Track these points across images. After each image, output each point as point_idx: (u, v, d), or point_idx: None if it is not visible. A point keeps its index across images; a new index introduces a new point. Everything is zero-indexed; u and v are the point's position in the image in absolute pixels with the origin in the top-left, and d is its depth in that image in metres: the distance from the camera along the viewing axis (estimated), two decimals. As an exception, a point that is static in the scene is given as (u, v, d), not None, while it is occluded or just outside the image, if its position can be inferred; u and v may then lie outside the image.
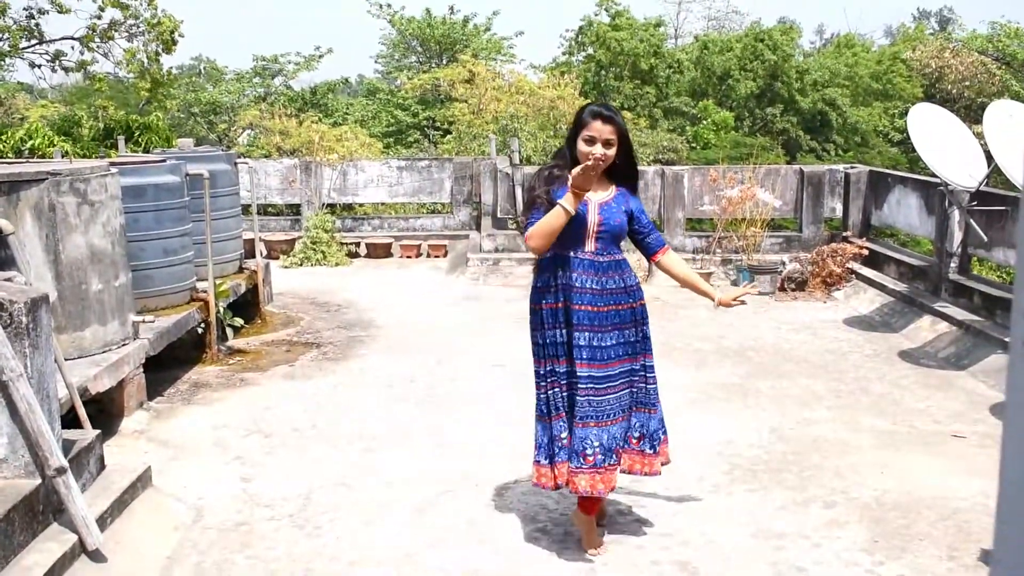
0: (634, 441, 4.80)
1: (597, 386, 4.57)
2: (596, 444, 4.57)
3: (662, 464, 4.94)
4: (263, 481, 5.90)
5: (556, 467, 4.67)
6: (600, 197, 4.63)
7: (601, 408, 4.58)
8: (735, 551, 4.90)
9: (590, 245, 4.59)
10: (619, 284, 4.63)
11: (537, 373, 4.76)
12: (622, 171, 4.72)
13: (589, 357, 4.56)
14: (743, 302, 4.93)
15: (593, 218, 4.56)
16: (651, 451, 4.84)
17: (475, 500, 5.52)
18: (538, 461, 4.77)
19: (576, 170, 4.33)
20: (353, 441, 6.57)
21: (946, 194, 9.38)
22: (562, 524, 5.19)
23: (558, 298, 4.60)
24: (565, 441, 4.64)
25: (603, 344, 4.57)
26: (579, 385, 4.57)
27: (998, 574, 1.04)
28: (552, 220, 4.44)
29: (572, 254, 4.59)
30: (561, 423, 4.66)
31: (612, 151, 4.54)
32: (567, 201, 4.39)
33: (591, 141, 4.52)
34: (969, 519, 5.25)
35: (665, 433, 4.96)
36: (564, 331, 4.61)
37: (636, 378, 4.73)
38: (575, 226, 4.50)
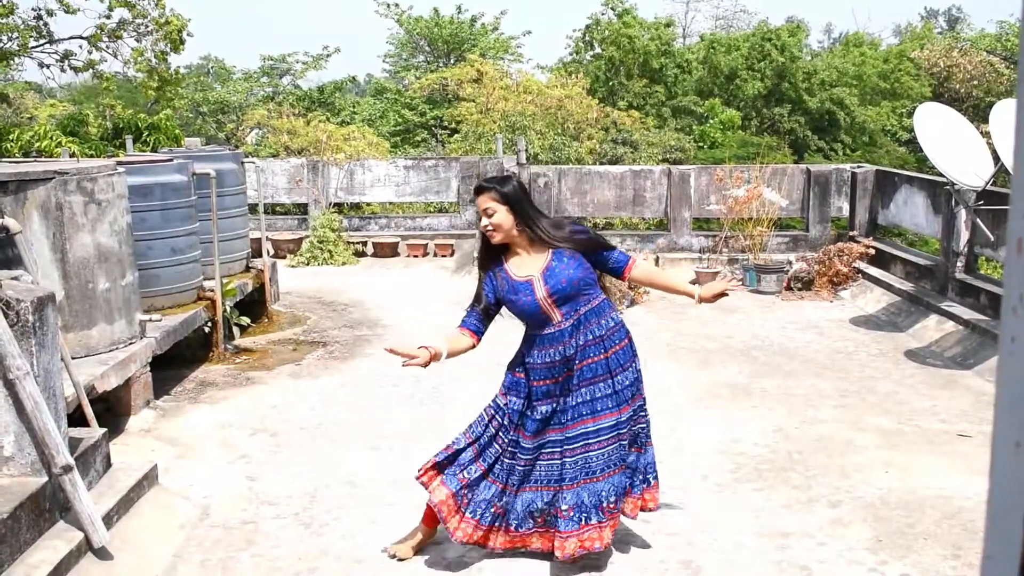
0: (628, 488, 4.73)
1: (588, 441, 4.53)
2: (574, 503, 4.54)
3: (649, 508, 4.86)
4: (269, 480, 5.91)
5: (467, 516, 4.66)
6: (539, 266, 4.56)
7: (593, 464, 4.55)
8: (740, 550, 4.91)
9: (555, 317, 4.52)
10: (596, 334, 4.53)
11: (493, 403, 4.79)
12: (543, 230, 4.61)
13: (584, 414, 4.55)
14: (725, 294, 4.89)
15: (541, 294, 4.50)
16: (633, 491, 4.76)
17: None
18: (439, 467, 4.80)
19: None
20: (359, 440, 6.59)
21: (953, 193, 9.37)
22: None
23: (539, 375, 4.57)
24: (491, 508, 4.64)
25: (595, 396, 4.54)
26: (571, 445, 4.54)
27: (990, 568, 1.05)
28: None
29: (543, 332, 4.55)
30: (494, 488, 4.65)
31: (497, 216, 4.53)
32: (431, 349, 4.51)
33: (483, 214, 4.61)
34: (974, 518, 5.25)
35: (654, 477, 4.86)
36: (547, 406, 4.57)
37: (623, 430, 4.60)
38: (530, 312, 4.53)
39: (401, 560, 4.82)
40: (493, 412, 4.72)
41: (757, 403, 7.38)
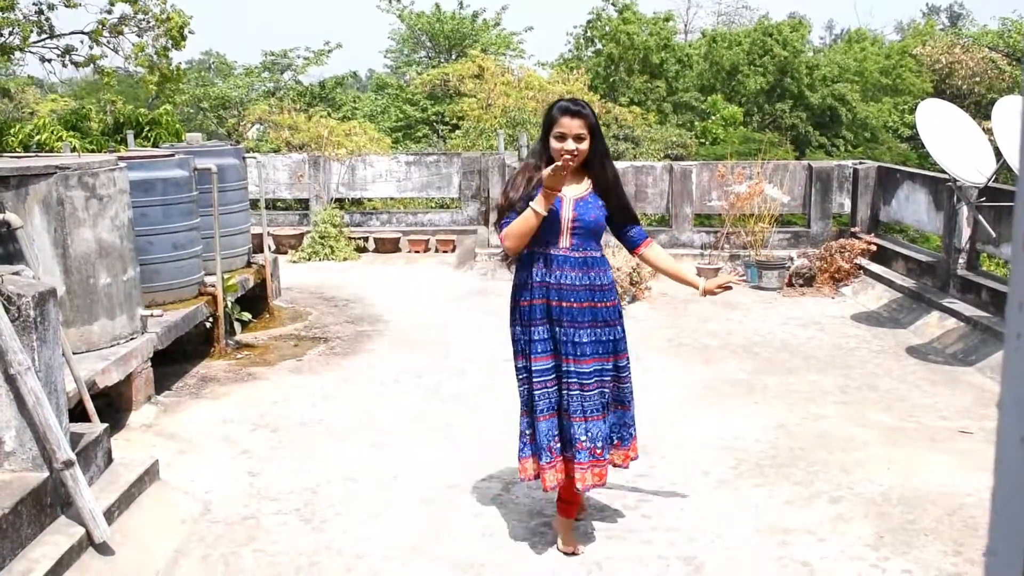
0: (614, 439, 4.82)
1: (582, 381, 4.57)
2: (584, 438, 4.58)
3: (631, 459, 4.94)
4: (270, 475, 5.91)
5: (543, 465, 4.67)
6: (575, 192, 4.59)
7: (587, 403, 4.59)
8: (741, 546, 4.91)
9: (565, 241, 4.55)
10: (592, 281, 4.57)
11: (516, 367, 4.78)
12: (599, 164, 4.66)
13: (572, 353, 4.57)
14: (729, 287, 4.92)
15: (567, 214, 4.53)
16: (623, 444, 4.86)
17: (481, 494, 5.53)
18: (523, 455, 4.78)
19: (546, 170, 4.35)
20: (360, 435, 6.59)
21: (955, 190, 9.36)
22: (568, 518, 5.20)
23: (534, 295, 4.59)
24: (554, 440, 4.65)
25: (580, 340, 4.56)
26: (566, 380, 4.59)
27: (993, 565, 1.05)
28: (524, 222, 4.45)
29: (547, 251, 4.56)
30: (548, 423, 4.65)
31: (584, 145, 4.51)
32: (538, 203, 4.39)
33: (562, 137, 4.50)
34: (975, 515, 5.25)
35: (634, 430, 4.93)
36: (544, 328, 4.60)
37: (607, 378, 4.66)
38: (549, 223, 4.49)
39: (580, 552, 4.85)
40: (523, 378, 4.74)
41: (758, 399, 7.38)
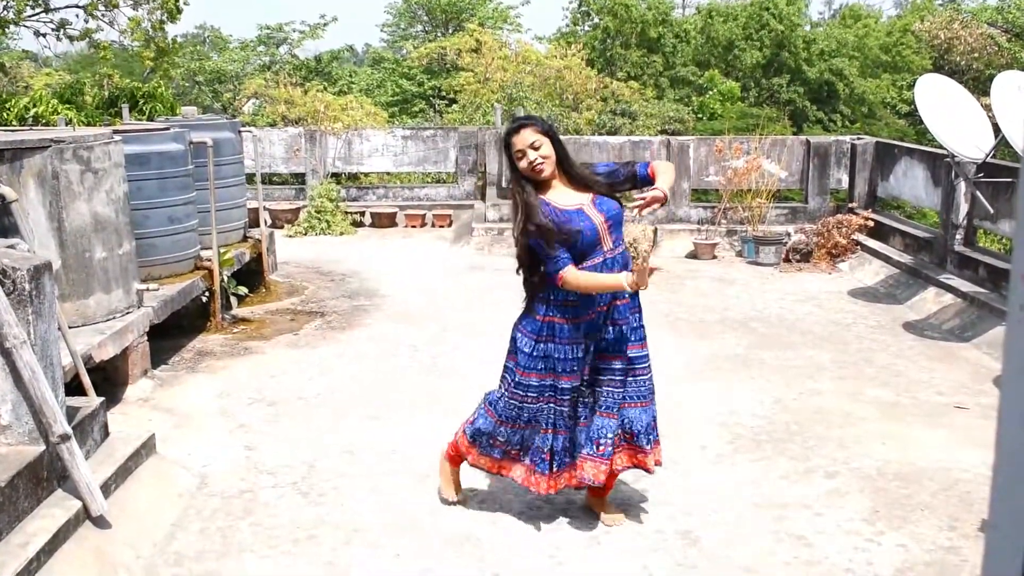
0: (628, 436, 4.75)
1: (614, 377, 4.63)
2: (609, 435, 4.63)
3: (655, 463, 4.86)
4: (267, 449, 5.92)
5: (551, 475, 4.71)
6: (586, 197, 4.60)
7: (614, 398, 4.65)
8: (737, 520, 4.92)
9: (608, 244, 4.54)
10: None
11: (520, 384, 4.67)
12: (575, 166, 4.69)
13: (616, 350, 4.62)
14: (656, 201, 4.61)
15: (598, 219, 4.53)
16: (647, 446, 4.78)
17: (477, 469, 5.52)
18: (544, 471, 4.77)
19: (631, 280, 4.32)
20: (357, 409, 6.59)
21: (953, 166, 9.34)
22: (564, 492, 5.20)
23: (593, 307, 4.55)
24: (547, 454, 4.68)
25: (623, 335, 4.62)
26: (608, 377, 4.63)
27: (993, 539, 1.04)
28: (604, 283, 4.43)
29: (597, 260, 4.51)
30: (557, 437, 4.67)
31: (545, 149, 4.53)
32: (628, 280, 4.35)
33: (521, 155, 4.54)
34: (970, 490, 5.26)
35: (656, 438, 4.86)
36: (581, 346, 4.58)
37: (634, 369, 4.70)
38: (590, 235, 4.48)
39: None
40: (535, 396, 4.67)
41: (755, 374, 7.38)
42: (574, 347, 4.56)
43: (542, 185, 4.59)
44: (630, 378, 4.69)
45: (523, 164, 4.54)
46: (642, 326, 4.75)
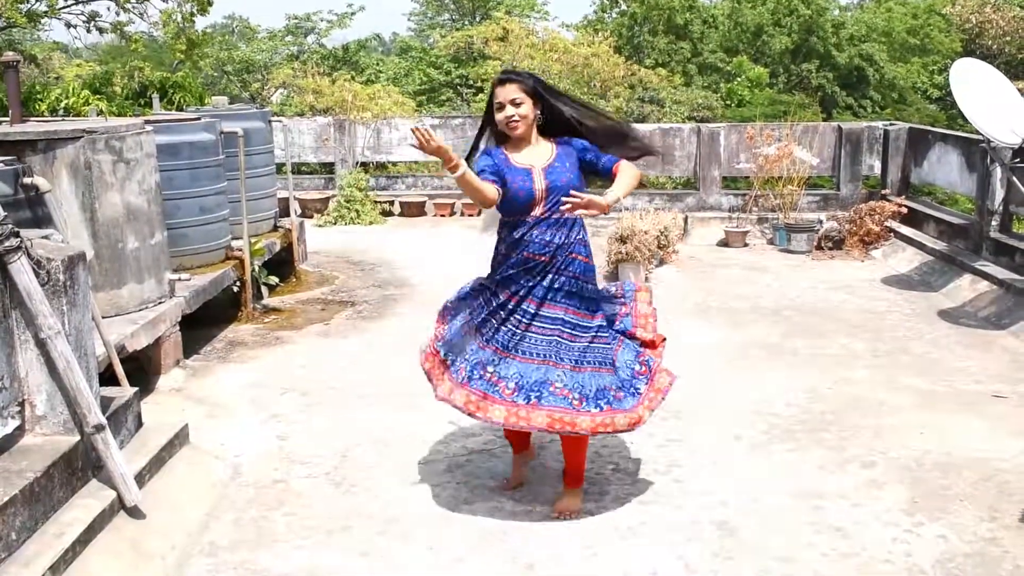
0: (572, 396, 4.55)
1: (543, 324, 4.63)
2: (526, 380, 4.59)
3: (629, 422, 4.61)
4: (300, 439, 5.91)
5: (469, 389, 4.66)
6: (543, 161, 4.69)
7: (541, 347, 4.62)
8: (774, 511, 4.87)
9: (538, 210, 4.63)
10: (565, 239, 4.66)
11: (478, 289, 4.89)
12: (561, 123, 4.77)
13: (546, 298, 4.64)
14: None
15: (540, 185, 4.62)
16: (597, 409, 4.55)
17: (510, 458, 5.49)
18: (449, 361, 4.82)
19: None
20: (389, 399, 6.57)
21: (988, 151, 9.22)
22: (598, 483, 5.18)
23: (518, 255, 4.68)
24: (490, 374, 4.62)
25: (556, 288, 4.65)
26: (534, 323, 4.63)
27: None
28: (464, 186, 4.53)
29: (523, 218, 4.66)
30: (494, 355, 4.66)
31: (523, 109, 4.63)
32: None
33: (500, 107, 4.66)
34: (1010, 480, 5.19)
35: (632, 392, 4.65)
36: (528, 281, 4.67)
37: (584, 334, 4.65)
38: (524, 197, 4.60)
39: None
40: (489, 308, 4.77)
41: (789, 363, 7.32)
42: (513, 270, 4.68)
43: (511, 139, 4.73)
44: (566, 339, 4.63)
45: (499, 116, 4.68)
46: (591, 297, 4.73)
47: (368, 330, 8.33)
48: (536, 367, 4.59)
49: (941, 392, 6.64)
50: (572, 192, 4.49)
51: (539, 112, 4.72)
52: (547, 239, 4.63)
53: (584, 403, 4.53)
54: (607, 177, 4.78)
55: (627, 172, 4.75)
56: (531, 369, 4.58)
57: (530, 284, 4.64)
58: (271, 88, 26.82)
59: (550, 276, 4.63)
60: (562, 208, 4.52)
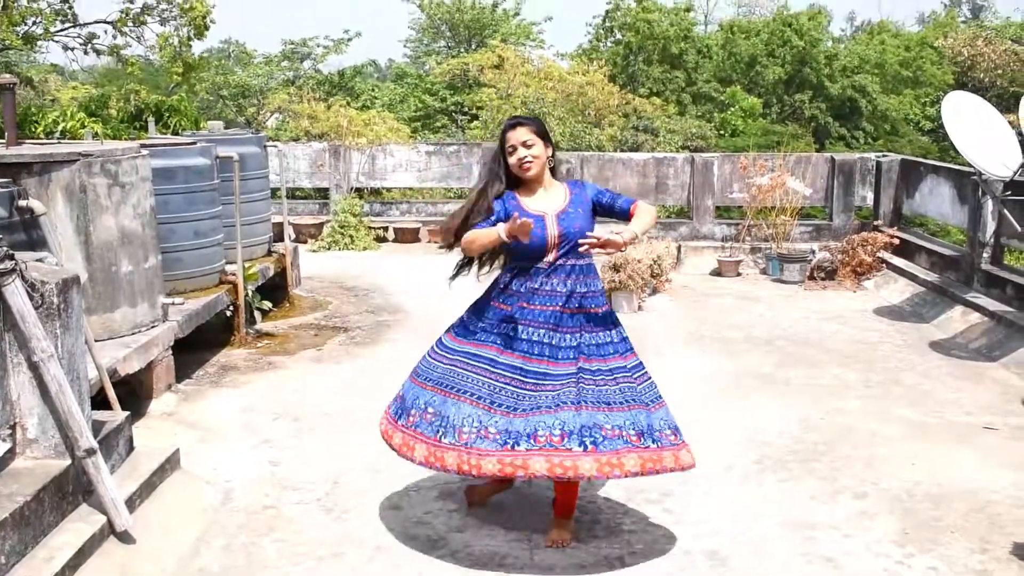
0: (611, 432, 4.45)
1: (524, 379, 4.54)
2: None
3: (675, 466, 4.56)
4: (291, 464, 5.90)
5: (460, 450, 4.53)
6: (556, 207, 4.72)
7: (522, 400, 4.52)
8: (765, 541, 4.87)
9: (551, 256, 4.66)
10: (578, 289, 4.65)
11: (441, 343, 4.95)
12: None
13: (534, 352, 4.59)
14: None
15: (553, 232, 4.64)
16: (654, 445, 4.49)
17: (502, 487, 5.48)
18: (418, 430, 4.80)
19: (507, 228, 4.46)
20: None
21: (980, 183, 9.27)
22: (591, 512, 5.18)
23: (514, 301, 4.69)
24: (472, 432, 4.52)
25: (559, 344, 4.59)
26: (510, 375, 4.58)
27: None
28: (485, 239, 4.65)
29: (535, 265, 4.67)
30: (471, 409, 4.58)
31: (536, 150, 4.69)
32: (504, 231, 4.50)
33: (512, 150, 4.70)
34: (1001, 512, 5.20)
35: (674, 431, 4.61)
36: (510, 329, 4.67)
37: (595, 378, 4.55)
38: (536, 243, 4.59)
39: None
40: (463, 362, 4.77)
41: (781, 393, 7.33)
42: (503, 324, 4.69)
43: (523, 184, 4.76)
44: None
45: (513, 159, 4.70)
46: (615, 342, 4.70)
47: (361, 356, 8.33)
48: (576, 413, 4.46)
49: (933, 423, 6.65)
50: (588, 233, 4.58)
51: (550, 154, 4.79)
52: (559, 289, 4.64)
53: (641, 439, 4.46)
54: (624, 218, 4.82)
55: (645, 212, 4.82)
56: (571, 415, 4.45)
57: (547, 340, 4.60)
58: (267, 113, 26.88)
59: (564, 333, 4.60)
60: (580, 249, 4.58)
